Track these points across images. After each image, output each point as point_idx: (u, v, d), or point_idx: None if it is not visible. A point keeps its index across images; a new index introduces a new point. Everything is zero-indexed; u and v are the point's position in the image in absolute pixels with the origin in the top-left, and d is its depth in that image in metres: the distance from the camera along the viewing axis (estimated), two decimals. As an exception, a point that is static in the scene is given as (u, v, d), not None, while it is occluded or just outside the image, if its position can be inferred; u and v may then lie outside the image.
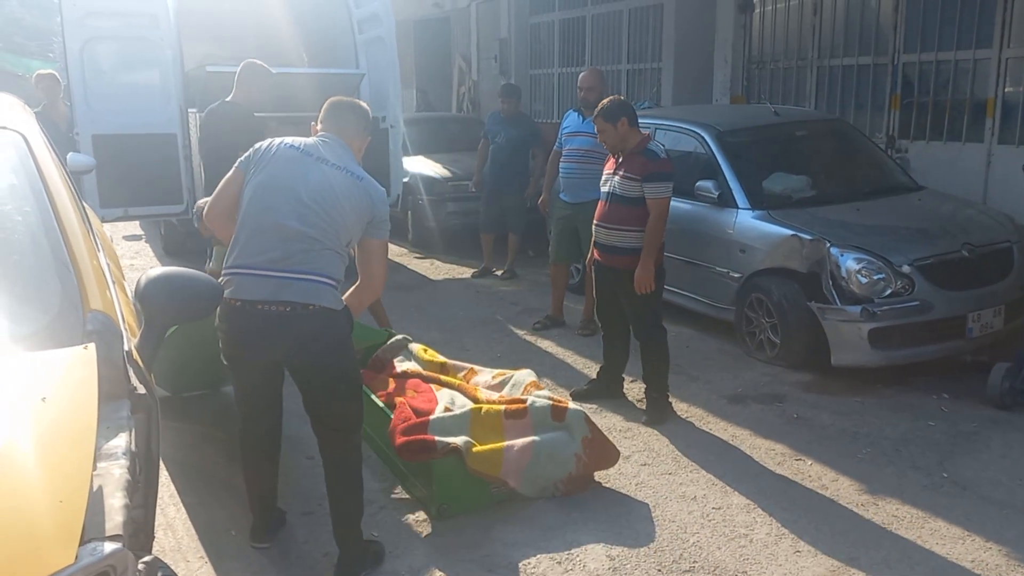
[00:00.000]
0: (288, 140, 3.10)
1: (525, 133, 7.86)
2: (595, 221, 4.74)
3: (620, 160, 4.60)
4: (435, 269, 8.55)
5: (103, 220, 6.17)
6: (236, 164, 3.12)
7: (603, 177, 4.73)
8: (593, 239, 4.80)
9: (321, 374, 3.07)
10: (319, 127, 3.19)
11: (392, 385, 4.31)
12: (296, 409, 4.79)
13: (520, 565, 3.27)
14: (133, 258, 8.81)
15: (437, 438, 3.59)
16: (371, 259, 3.15)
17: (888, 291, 4.97)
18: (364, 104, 3.31)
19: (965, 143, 7.07)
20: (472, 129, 10.03)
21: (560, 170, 6.23)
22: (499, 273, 8.05)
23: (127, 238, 9.79)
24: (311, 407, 3.17)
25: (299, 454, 4.23)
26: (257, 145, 3.12)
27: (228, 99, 6.06)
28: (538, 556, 3.32)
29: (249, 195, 3.02)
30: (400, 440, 3.64)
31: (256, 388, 3.20)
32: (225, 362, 3.15)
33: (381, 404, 4.08)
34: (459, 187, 8.81)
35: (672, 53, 9.70)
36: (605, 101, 4.63)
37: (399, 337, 4.73)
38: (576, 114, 6.23)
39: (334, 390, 3.12)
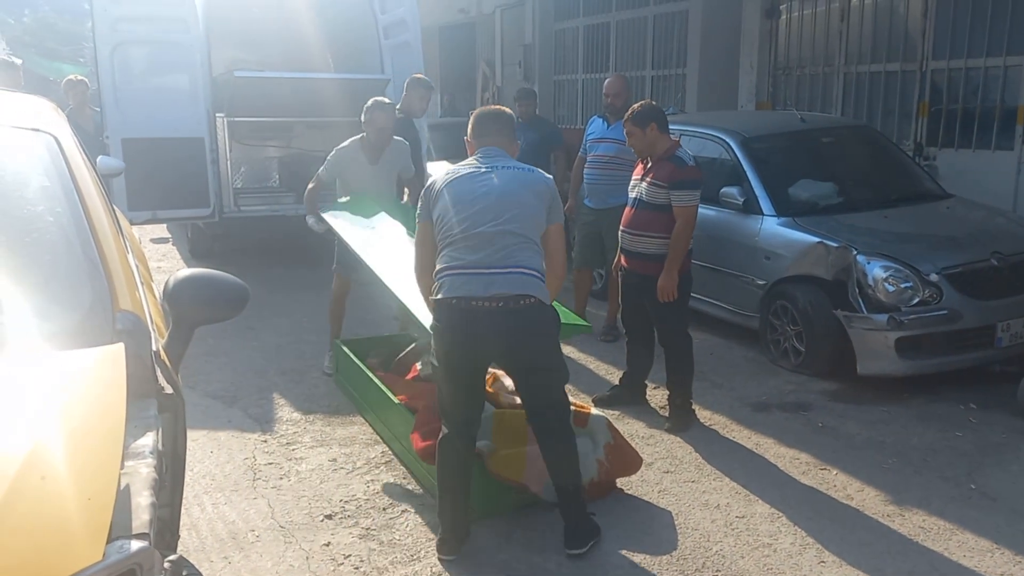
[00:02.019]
0: (452, 167, 3.31)
1: (544, 135, 7.84)
2: (621, 227, 4.72)
3: (648, 166, 4.57)
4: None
5: (131, 223, 6.24)
6: (417, 219, 3.33)
7: (631, 182, 4.71)
8: (620, 245, 4.78)
9: (538, 369, 3.21)
10: (473, 143, 3.39)
11: (414, 389, 4.32)
12: (317, 407, 4.82)
13: (541, 571, 3.26)
14: (160, 260, 8.90)
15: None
16: (552, 243, 3.28)
17: (915, 300, 4.91)
18: (506, 110, 3.50)
19: (995, 151, 6.99)
20: (496, 134, 10.03)
21: (585, 176, 6.22)
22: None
23: (154, 240, 9.92)
24: (529, 402, 3.32)
25: (322, 457, 4.26)
26: (425, 188, 3.31)
27: (397, 107, 6.48)
28: (559, 562, 3.31)
29: (440, 217, 3.18)
30: (422, 444, 3.65)
31: (466, 388, 3.26)
32: (435, 363, 3.25)
33: (404, 407, 4.09)
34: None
35: (697, 59, 9.66)
36: (636, 105, 4.60)
37: (422, 341, 4.74)
38: (601, 120, 6.21)
39: (550, 386, 3.26)
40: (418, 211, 3.33)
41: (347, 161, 5.25)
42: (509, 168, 3.26)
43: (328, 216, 5.06)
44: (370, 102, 5.23)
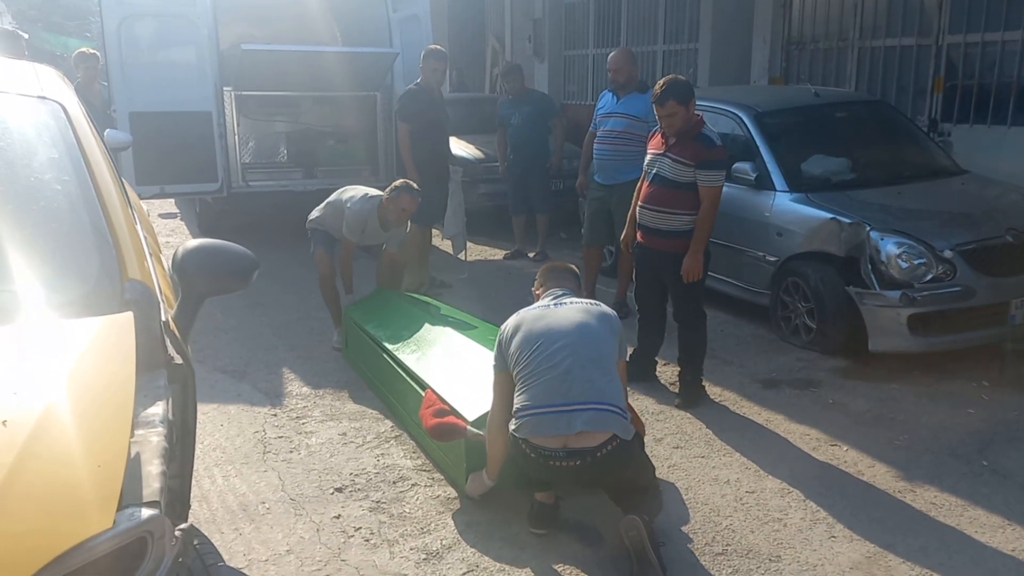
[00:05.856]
0: (523, 311, 3.38)
1: (540, 107, 7.78)
2: (640, 202, 4.61)
3: (671, 142, 4.43)
4: (468, 250, 8.52)
5: (139, 197, 6.23)
6: (493, 368, 3.34)
7: (648, 157, 4.59)
8: (636, 220, 4.70)
9: (623, 486, 3.24)
10: (540, 291, 3.57)
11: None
12: (326, 381, 4.82)
13: (549, 544, 3.26)
14: (169, 235, 8.90)
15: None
16: (622, 378, 3.29)
17: (928, 276, 4.86)
18: (573, 267, 3.71)
19: (1011, 127, 6.90)
20: (505, 110, 9.97)
21: (594, 151, 6.16)
22: (532, 255, 8.02)
23: (163, 216, 9.91)
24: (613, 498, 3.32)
25: (332, 431, 4.26)
26: (497, 340, 3.34)
27: (418, 82, 6.75)
28: (568, 535, 3.31)
29: (516, 360, 3.21)
30: (432, 422, 3.64)
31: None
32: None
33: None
34: (491, 168, 8.74)
35: (709, 33, 9.55)
36: (668, 80, 4.34)
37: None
38: (611, 95, 6.14)
39: (635, 489, 3.25)
40: (494, 361, 3.34)
41: (363, 226, 5.30)
42: (578, 303, 3.37)
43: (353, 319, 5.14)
44: (399, 183, 5.25)
